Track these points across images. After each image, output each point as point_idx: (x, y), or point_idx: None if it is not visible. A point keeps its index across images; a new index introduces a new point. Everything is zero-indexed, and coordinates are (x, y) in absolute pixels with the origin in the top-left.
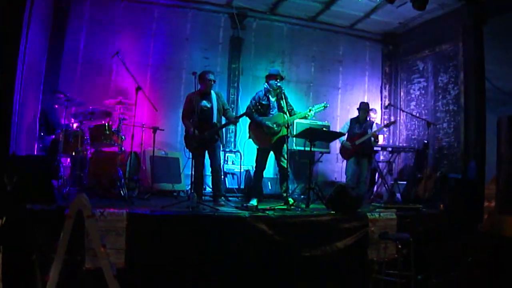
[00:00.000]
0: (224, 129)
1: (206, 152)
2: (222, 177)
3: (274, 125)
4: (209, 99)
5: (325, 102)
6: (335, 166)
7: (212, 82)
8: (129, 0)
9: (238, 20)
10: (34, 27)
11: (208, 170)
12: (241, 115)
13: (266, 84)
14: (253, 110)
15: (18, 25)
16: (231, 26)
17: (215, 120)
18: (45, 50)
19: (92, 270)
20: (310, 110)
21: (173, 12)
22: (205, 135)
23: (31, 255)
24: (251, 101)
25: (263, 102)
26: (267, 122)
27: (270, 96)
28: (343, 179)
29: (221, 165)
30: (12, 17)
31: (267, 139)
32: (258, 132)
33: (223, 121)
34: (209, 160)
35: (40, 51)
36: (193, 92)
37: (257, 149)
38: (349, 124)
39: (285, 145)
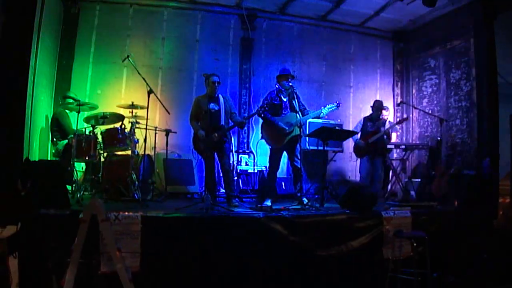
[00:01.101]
0: (237, 130)
1: (216, 154)
2: (236, 178)
3: (287, 125)
4: (216, 101)
5: (337, 102)
6: (348, 164)
7: (216, 84)
8: (138, 4)
9: (248, 21)
10: (45, 33)
11: (221, 172)
12: (250, 116)
13: (277, 84)
14: (266, 110)
15: (29, 31)
16: (241, 27)
17: (222, 122)
18: (56, 56)
19: (108, 274)
20: (322, 110)
21: (182, 14)
22: (212, 137)
23: (46, 260)
24: (263, 101)
25: (275, 102)
26: (279, 122)
27: (282, 96)
28: (357, 178)
29: (233, 166)
30: (22, 23)
31: (280, 139)
32: (271, 132)
33: (231, 123)
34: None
35: (51, 57)
36: (201, 95)
37: (270, 149)
38: (362, 122)
39: (298, 145)
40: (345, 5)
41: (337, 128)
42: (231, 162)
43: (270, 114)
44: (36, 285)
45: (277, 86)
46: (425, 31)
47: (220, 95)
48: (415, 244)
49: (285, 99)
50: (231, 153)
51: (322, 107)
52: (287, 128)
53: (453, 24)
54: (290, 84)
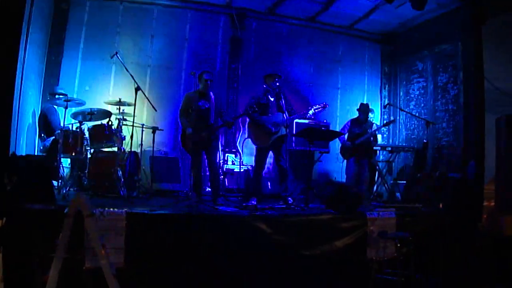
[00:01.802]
0: (224, 129)
1: (204, 152)
2: (222, 177)
3: (273, 125)
4: (207, 99)
5: (324, 103)
6: (334, 165)
7: (209, 82)
8: (128, 1)
9: (238, 21)
10: (34, 27)
11: (207, 170)
12: (239, 116)
13: (265, 84)
14: (255, 111)
15: (18, 25)
16: (231, 27)
17: (212, 120)
18: (45, 51)
19: (92, 269)
20: (309, 110)
21: (172, 12)
22: (202, 135)
23: (31, 255)
24: (250, 101)
25: (262, 102)
26: (266, 122)
27: (269, 96)
28: (343, 179)
29: (220, 165)
30: (12, 18)
31: (266, 138)
32: (257, 131)
33: (220, 122)
34: (206, 160)
35: (40, 51)
36: (192, 92)
37: (256, 148)
38: (349, 124)
39: (284, 145)
40: (335, 7)
41: (323, 128)
42: (218, 160)
43: (257, 114)
44: (20, 280)
45: (264, 86)
46: (414, 34)
47: (211, 93)
48: (399, 245)
49: (272, 99)
50: (218, 152)
51: (309, 108)
52: (273, 128)
53: (441, 28)
54: (277, 84)
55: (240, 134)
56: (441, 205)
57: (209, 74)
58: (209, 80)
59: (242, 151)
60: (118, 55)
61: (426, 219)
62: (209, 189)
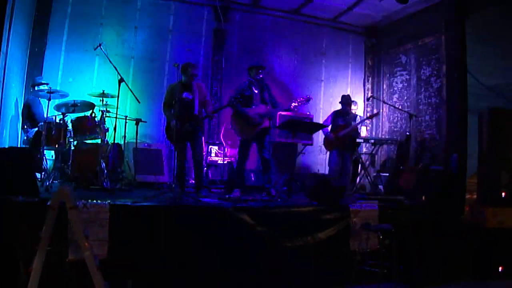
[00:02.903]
0: (207, 121)
1: (188, 144)
2: (205, 168)
3: (257, 116)
4: (191, 90)
5: (307, 95)
6: (318, 158)
7: (194, 77)
8: None
9: (221, 13)
10: (17, 19)
11: (191, 162)
12: (222, 107)
13: (249, 75)
14: (239, 102)
15: (1, 17)
16: (214, 19)
17: (196, 112)
18: (28, 42)
19: (75, 261)
20: (292, 103)
21: (156, 4)
22: (186, 127)
23: (14, 248)
24: (235, 92)
25: (246, 94)
26: (250, 113)
27: (253, 88)
28: (326, 171)
29: (204, 157)
30: None
31: (249, 130)
32: (241, 123)
33: (204, 113)
34: (191, 152)
35: (23, 43)
36: (174, 83)
37: (240, 140)
38: (332, 116)
39: (267, 137)
40: None
41: (306, 121)
42: (203, 152)
43: (241, 105)
44: (3, 272)
45: (248, 78)
46: (398, 28)
47: (194, 84)
48: (381, 237)
49: (256, 91)
50: (202, 144)
51: (293, 101)
52: (257, 120)
53: (425, 21)
54: (261, 76)
55: (224, 126)
56: (423, 198)
57: (195, 69)
58: (194, 75)
59: (225, 142)
60: (101, 47)
61: (409, 211)
62: (193, 181)
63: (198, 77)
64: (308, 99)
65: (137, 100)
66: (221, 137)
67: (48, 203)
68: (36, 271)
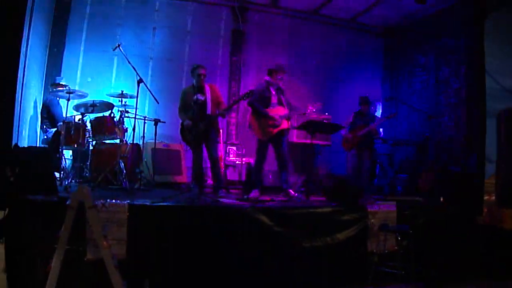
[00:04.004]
0: (225, 122)
1: (204, 144)
2: (223, 169)
3: (276, 118)
4: (203, 92)
5: (322, 103)
6: (336, 158)
7: (202, 76)
8: None
9: (240, 13)
10: (36, 19)
11: (208, 162)
12: (233, 104)
13: (268, 77)
14: (256, 100)
15: (21, 17)
16: (233, 19)
17: (209, 112)
18: (47, 43)
19: (94, 260)
20: (309, 108)
21: (174, 5)
22: (199, 127)
23: (33, 246)
24: (254, 92)
25: (265, 95)
26: (270, 114)
27: (272, 89)
28: (344, 171)
29: (221, 157)
30: (15, 9)
31: (268, 131)
32: (260, 123)
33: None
34: (207, 153)
35: (42, 43)
36: (187, 87)
37: (258, 140)
38: (351, 117)
39: (285, 138)
40: (337, 0)
41: (325, 121)
42: (218, 152)
43: (261, 106)
44: (22, 271)
45: (267, 79)
46: (416, 28)
47: (206, 85)
48: (399, 238)
49: (274, 93)
50: (218, 144)
51: (309, 105)
52: (276, 121)
53: (444, 22)
54: (281, 78)
55: (242, 126)
56: (441, 199)
57: (202, 69)
58: (203, 75)
59: (243, 143)
60: (120, 48)
61: (427, 212)
62: (211, 182)
63: (216, 77)
64: (320, 105)
65: (156, 100)
66: (239, 137)
67: (67, 203)
68: (55, 270)
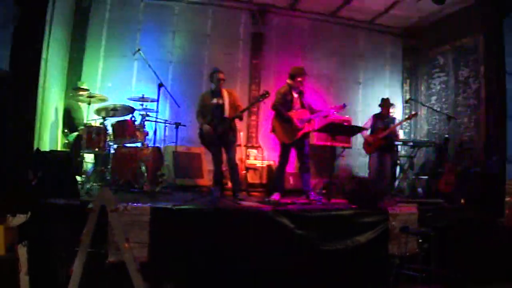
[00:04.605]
0: (245, 124)
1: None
2: (244, 172)
3: (299, 121)
4: (220, 96)
5: (344, 103)
6: (356, 160)
7: (221, 81)
8: None
9: (259, 16)
10: (56, 25)
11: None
12: (249, 107)
13: (290, 80)
14: (280, 106)
15: (42, 23)
16: (252, 22)
17: (227, 115)
18: (67, 48)
19: (115, 263)
20: (330, 111)
21: (193, 9)
22: (217, 130)
23: (55, 249)
24: (277, 96)
25: (288, 98)
26: (292, 118)
27: (293, 92)
28: (365, 174)
29: (241, 159)
30: (35, 16)
31: (291, 134)
32: (283, 127)
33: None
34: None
35: (62, 49)
36: (205, 92)
37: (281, 144)
38: (372, 119)
39: (307, 140)
40: (356, 1)
41: (345, 124)
42: (237, 155)
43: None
44: (44, 273)
45: (288, 82)
46: (435, 29)
47: (224, 90)
48: (420, 241)
49: (296, 96)
50: (237, 146)
51: (330, 108)
52: (300, 125)
53: (462, 22)
54: (302, 81)
55: (262, 129)
56: (462, 201)
57: (221, 73)
58: (222, 79)
59: (264, 146)
60: (140, 52)
61: (448, 214)
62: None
63: (236, 80)
64: (343, 106)
65: (177, 104)
66: (260, 140)
67: (90, 206)
68: (77, 272)
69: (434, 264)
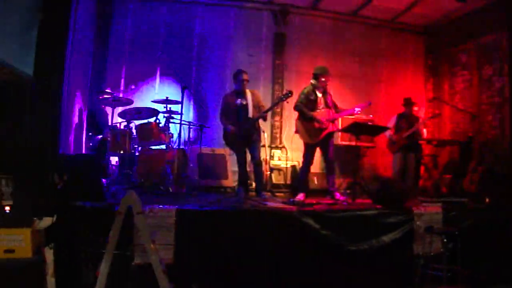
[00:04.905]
0: (269, 125)
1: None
2: (269, 172)
3: (323, 121)
4: (244, 96)
5: (368, 102)
6: (381, 160)
7: (245, 82)
8: (171, 1)
9: (281, 17)
10: (80, 29)
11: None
12: (272, 107)
13: (314, 80)
14: (303, 105)
15: (65, 29)
16: (274, 23)
17: (250, 115)
18: (90, 52)
19: (141, 265)
20: (355, 109)
21: (215, 10)
22: (241, 131)
23: (81, 251)
24: (300, 96)
25: (311, 98)
26: (316, 118)
27: (317, 92)
28: (389, 173)
29: (265, 160)
30: (59, 21)
31: (315, 134)
32: (307, 127)
33: None
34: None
35: (85, 52)
36: (229, 92)
37: (305, 144)
38: (396, 118)
39: (331, 140)
40: (377, 0)
41: (369, 123)
42: (261, 155)
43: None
44: (71, 275)
45: (312, 82)
46: (457, 26)
47: (247, 90)
48: (445, 240)
49: (319, 95)
50: (261, 146)
51: (355, 107)
52: (324, 124)
53: (485, 19)
54: (325, 81)
55: (286, 129)
56: (487, 200)
57: (245, 74)
58: (246, 80)
59: (288, 146)
60: (164, 54)
61: (473, 214)
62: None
63: (257, 81)
64: (368, 105)
65: (201, 106)
66: (284, 140)
67: (116, 208)
68: (103, 274)
69: (460, 264)
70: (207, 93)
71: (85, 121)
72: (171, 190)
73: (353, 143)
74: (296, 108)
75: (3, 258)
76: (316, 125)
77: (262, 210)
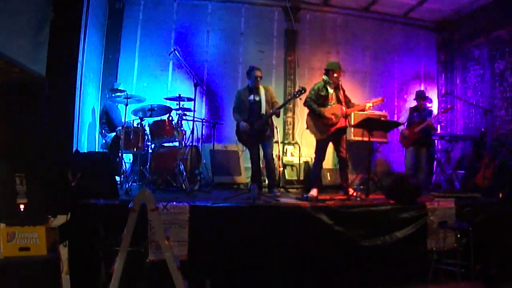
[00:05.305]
0: (282, 121)
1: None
2: (281, 168)
3: (333, 116)
4: (257, 92)
5: (382, 97)
6: (394, 155)
7: (259, 79)
8: None
9: (292, 13)
10: (91, 27)
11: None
12: (285, 103)
13: (325, 76)
14: (313, 101)
15: (76, 27)
16: (285, 19)
17: (263, 112)
18: (102, 50)
19: (155, 262)
20: (367, 104)
21: (226, 7)
22: (254, 127)
23: (95, 249)
24: (310, 92)
25: (322, 94)
26: (326, 113)
27: (328, 88)
28: (402, 169)
29: (278, 156)
30: (70, 20)
31: (326, 130)
32: (318, 123)
33: None
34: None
35: (97, 51)
36: (242, 89)
37: (317, 140)
38: (408, 113)
39: (343, 136)
40: None
41: (382, 119)
42: (274, 151)
43: (317, 105)
44: (85, 273)
45: (324, 78)
46: (469, 21)
47: (261, 86)
48: (458, 236)
49: (331, 91)
50: (273, 142)
51: (367, 101)
52: (333, 120)
53: (496, 13)
54: (337, 76)
55: (299, 125)
56: (501, 195)
57: (259, 71)
58: (259, 77)
59: (301, 142)
60: (176, 51)
61: (486, 209)
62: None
63: (269, 77)
64: (382, 100)
65: (213, 102)
66: (296, 137)
67: (130, 206)
68: (118, 271)
69: (473, 259)
70: (219, 89)
71: (98, 119)
72: (184, 187)
73: (366, 139)
74: (305, 103)
75: (19, 255)
76: (326, 121)
77: (275, 207)
